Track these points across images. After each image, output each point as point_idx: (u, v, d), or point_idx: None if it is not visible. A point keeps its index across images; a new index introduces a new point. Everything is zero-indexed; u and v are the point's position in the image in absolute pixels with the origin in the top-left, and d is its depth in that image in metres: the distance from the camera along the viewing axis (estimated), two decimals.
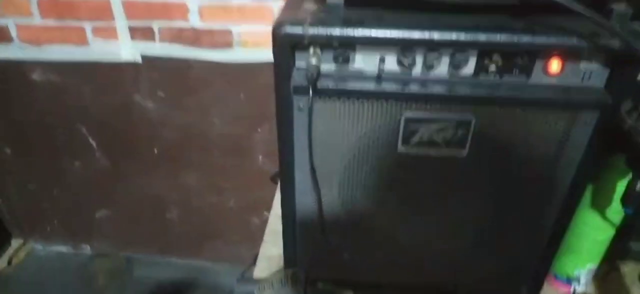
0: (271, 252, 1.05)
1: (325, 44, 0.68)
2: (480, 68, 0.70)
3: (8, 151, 1.43)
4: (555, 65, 0.69)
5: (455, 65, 0.69)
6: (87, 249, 1.68)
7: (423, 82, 0.72)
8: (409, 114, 0.74)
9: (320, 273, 0.96)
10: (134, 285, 1.59)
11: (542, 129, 0.74)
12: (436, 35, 0.66)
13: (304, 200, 0.86)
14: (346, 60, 0.70)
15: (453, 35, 0.66)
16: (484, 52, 0.68)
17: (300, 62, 0.70)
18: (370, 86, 0.71)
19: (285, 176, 0.83)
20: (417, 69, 0.71)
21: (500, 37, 0.66)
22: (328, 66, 0.72)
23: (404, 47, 0.69)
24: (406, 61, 0.69)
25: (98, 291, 1.57)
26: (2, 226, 1.62)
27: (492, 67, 0.69)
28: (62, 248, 1.69)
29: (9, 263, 1.61)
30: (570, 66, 0.69)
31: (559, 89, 0.71)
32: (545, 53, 0.68)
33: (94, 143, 1.39)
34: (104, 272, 1.63)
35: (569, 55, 0.68)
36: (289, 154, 0.80)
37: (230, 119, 1.29)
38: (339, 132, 0.78)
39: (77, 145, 1.39)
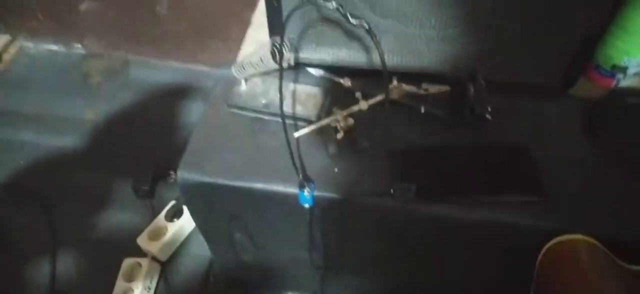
0: (260, 36, 0.89)
1: None
2: None
3: None
4: None
5: None
6: (79, 48, 1.57)
7: None
8: None
9: (311, 55, 0.81)
10: (131, 85, 1.51)
11: None
12: None
13: None
14: None
15: None
16: None
17: None
18: None
19: None
20: None
21: None
22: None
23: None
24: None
25: (93, 89, 1.49)
26: None
27: None
28: (53, 46, 1.58)
29: None
30: None
31: None
32: None
33: None
34: (99, 71, 1.54)
35: None
36: None
37: None
38: None
39: None
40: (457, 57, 0.74)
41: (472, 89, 0.68)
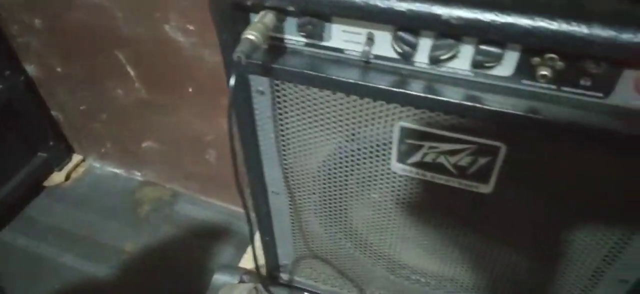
0: None
1: (277, 7, 0.47)
2: (524, 70, 0.44)
3: (59, 69, 1.45)
4: None
5: (479, 63, 0.44)
6: (137, 175, 1.71)
7: (431, 79, 0.48)
8: (406, 123, 0.51)
9: (304, 280, 0.80)
10: (174, 219, 1.60)
11: (625, 176, 0.47)
12: (456, 13, 0.41)
13: (279, 200, 0.69)
14: (317, 34, 0.48)
15: (482, 16, 0.40)
16: (533, 48, 0.42)
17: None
18: (348, 74, 0.49)
19: (252, 172, 0.66)
20: (421, 58, 0.47)
21: (563, 26, 0.39)
22: (296, 39, 0.51)
23: (403, 25, 0.45)
24: (402, 46, 0.45)
25: (141, 218, 1.59)
26: (64, 140, 1.70)
27: (545, 72, 0.42)
28: (116, 170, 1.74)
29: (67, 177, 1.69)
30: None
31: None
32: None
33: (132, 72, 1.33)
34: (150, 201, 1.65)
35: None
36: (252, 148, 0.62)
37: None
38: (319, 129, 0.57)
39: (117, 72, 1.35)
40: None
41: None
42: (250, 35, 0.44)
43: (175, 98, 1.37)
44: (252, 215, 0.84)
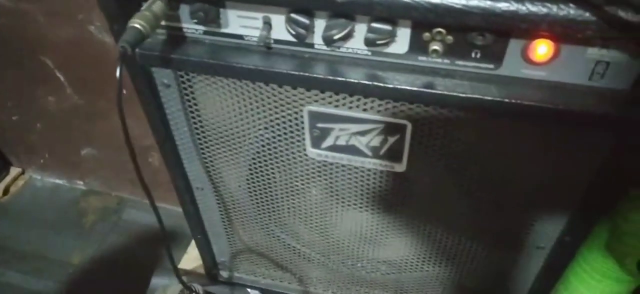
0: None
1: None
2: (417, 47, 0.44)
3: None
4: (542, 48, 0.42)
5: (371, 41, 0.44)
6: (80, 184, 1.65)
7: (332, 61, 0.48)
8: (314, 107, 0.50)
9: (244, 276, 0.79)
10: (122, 227, 1.55)
11: (520, 146, 0.48)
12: None
13: (205, 196, 0.68)
14: (213, 21, 0.47)
15: None
16: (421, 23, 0.42)
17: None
18: (249, 61, 0.48)
19: (171, 168, 0.64)
20: (319, 40, 0.47)
21: None
22: (194, 27, 0.49)
23: (293, 6, 0.44)
24: (296, 28, 0.45)
25: (86, 228, 1.54)
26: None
27: (436, 47, 0.43)
28: (58, 181, 1.67)
29: (6, 192, 1.62)
30: (568, 52, 0.41)
31: (548, 87, 0.44)
32: (527, 29, 0.40)
33: (62, 78, 1.28)
34: (95, 210, 1.60)
35: (566, 33, 0.40)
36: (167, 143, 0.60)
37: None
38: (233, 119, 0.56)
39: (47, 79, 1.30)
40: None
41: None
42: (136, 24, 0.43)
43: (110, 102, 1.32)
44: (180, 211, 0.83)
